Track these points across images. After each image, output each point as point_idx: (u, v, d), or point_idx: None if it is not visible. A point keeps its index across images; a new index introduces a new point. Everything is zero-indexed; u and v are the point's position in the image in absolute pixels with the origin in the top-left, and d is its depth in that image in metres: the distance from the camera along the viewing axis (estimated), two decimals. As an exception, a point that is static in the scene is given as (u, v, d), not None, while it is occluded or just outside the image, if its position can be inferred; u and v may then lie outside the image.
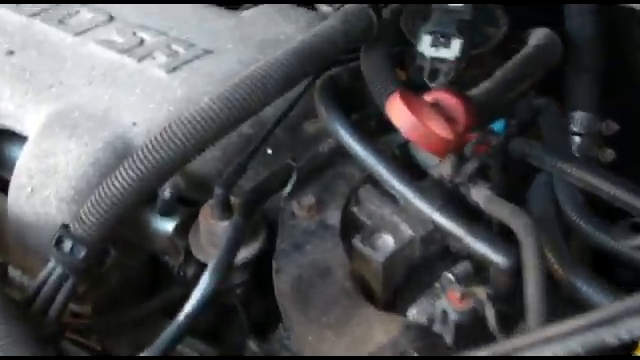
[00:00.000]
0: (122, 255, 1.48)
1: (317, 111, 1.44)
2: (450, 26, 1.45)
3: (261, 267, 1.37)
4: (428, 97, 1.28)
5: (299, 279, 1.29)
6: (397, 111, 1.23)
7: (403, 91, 1.25)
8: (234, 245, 1.32)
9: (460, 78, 1.41)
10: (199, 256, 1.42)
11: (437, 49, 1.44)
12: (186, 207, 1.49)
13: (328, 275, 1.29)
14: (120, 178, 1.30)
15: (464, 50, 1.43)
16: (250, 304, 1.50)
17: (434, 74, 1.42)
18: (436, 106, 1.25)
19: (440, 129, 1.21)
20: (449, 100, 1.26)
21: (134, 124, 1.45)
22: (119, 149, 1.42)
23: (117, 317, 1.47)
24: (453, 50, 1.43)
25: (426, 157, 1.37)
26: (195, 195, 1.43)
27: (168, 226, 1.47)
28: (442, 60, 1.43)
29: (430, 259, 1.33)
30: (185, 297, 1.39)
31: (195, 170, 1.41)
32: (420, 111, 1.21)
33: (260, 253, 1.41)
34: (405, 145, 1.41)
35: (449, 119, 1.24)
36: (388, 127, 1.35)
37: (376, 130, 1.48)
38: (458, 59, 1.43)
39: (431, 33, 1.43)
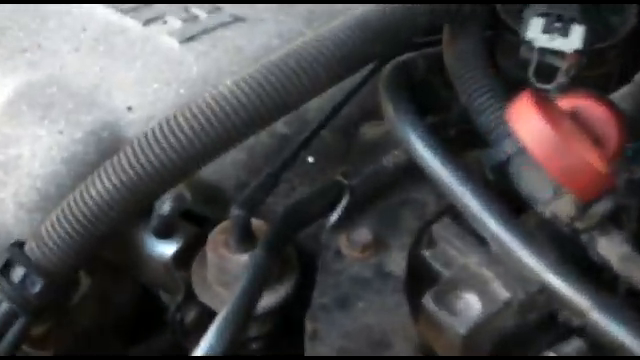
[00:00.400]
0: (100, 286, 1.09)
1: (381, 110, 1.03)
2: (571, 8, 1.05)
3: (288, 315, 1.06)
4: (563, 103, 0.87)
5: (343, 352, 0.92)
6: (528, 122, 0.83)
7: (535, 93, 0.84)
8: (255, 289, 0.92)
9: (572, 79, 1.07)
10: (203, 298, 1.04)
11: (551, 37, 1.05)
12: (192, 226, 1.08)
13: (386, 348, 0.93)
14: (100, 185, 0.93)
15: (586, 41, 1.03)
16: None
17: (544, 71, 1.02)
18: (575, 118, 0.84)
19: (592, 156, 0.80)
20: (593, 110, 0.85)
21: (129, 109, 1.14)
22: (105, 142, 1.11)
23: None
24: (573, 40, 1.05)
25: (534, 187, 0.96)
26: (206, 210, 1.14)
27: (165, 251, 1.08)
28: (556, 52, 1.03)
29: (527, 331, 0.96)
30: (178, 348, 1.08)
31: (208, 177, 1.12)
32: (560, 126, 0.80)
33: (287, 301, 1.02)
34: (502, 167, 0.99)
35: (596, 140, 0.84)
36: (473, 139, 1.08)
37: (457, 141, 1.08)
38: (579, 52, 1.04)
39: (543, 15, 1.09)
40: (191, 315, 1.09)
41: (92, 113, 1.09)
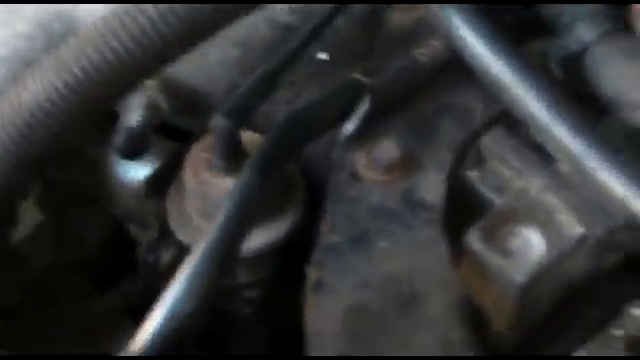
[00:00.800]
0: (60, 217, 0.86)
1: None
2: None
3: (291, 257, 0.84)
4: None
5: (360, 311, 0.67)
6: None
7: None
8: (239, 224, 0.68)
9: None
10: (181, 235, 0.80)
11: None
12: (170, 143, 0.85)
13: (416, 303, 0.68)
14: (35, 86, 0.67)
15: None
16: (269, 314, 0.87)
17: None
18: None
19: None
20: None
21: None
22: (56, 36, 0.87)
23: (45, 319, 0.85)
24: None
25: (621, 84, 0.71)
26: (188, 122, 0.92)
27: (135, 175, 0.84)
28: None
29: (601, 279, 0.74)
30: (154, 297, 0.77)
31: (190, 79, 0.90)
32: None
33: (289, 238, 0.79)
34: (576, 59, 0.74)
35: None
36: (536, 29, 0.82)
37: (514, 31, 0.82)
38: None
39: None
40: (166, 256, 0.86)
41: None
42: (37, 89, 0.70)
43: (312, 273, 0.70)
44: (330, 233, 0.72)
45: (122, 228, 0.95)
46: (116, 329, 0.93)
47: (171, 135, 0.91)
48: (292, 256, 0.87)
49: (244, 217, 0.69)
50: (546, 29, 0.81)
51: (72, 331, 0.89)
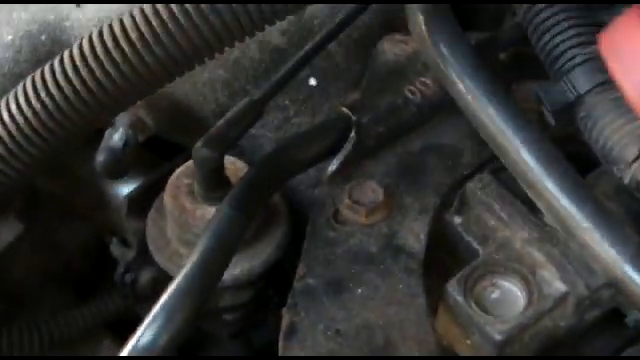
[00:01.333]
0: (42, 229, 0.85)
1: (408, 21, 0.76)
2: None
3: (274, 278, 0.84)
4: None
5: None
6: (631, 48, 0.57)
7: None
8: (215, 260, 0.67)
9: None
10: (159, 258, 0.78)
11: None
12: (156, 160, 0.84)
13: (389, 354, 0.66)
14: (16, 108, 0.67)
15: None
16: (247, 336, 0.87)
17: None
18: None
19: None
20: None
21: (78, 5, 0.87)
22: (42, 48, 0.86)
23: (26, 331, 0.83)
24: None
25: (613, 140, 0.69)
26: (179, 139, 0.90)
27: (118, 191, 0.82)
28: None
29: (581, 333, 0.73)
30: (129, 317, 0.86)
31: (179, 98, 0.87)
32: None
33: (270, 265, 0.79)
34: (569, 109, 0.72)
35: None
36: (529, 66, 0.81)
37: (507, 69, 0.81)
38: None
39: None
40: (144, 277, 0.85)
41: (28, 9, 0.82)
42: (18, 111, 0.68)
43: (286, 316, 0.68)
44: (306, 276, 0.70)
45: (104, 242, 0.94)
46: (95, 343, 0.92)
47: (163, 148, 0.90)
48: (273, 280, 0.86)
49: (220, 254, 0.67)
50: (540, 71, 0.79)
51: (51, 344, 0.88)
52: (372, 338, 0.67)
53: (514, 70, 0.83)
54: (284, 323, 0.68)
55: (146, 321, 0.65)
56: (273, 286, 0.88)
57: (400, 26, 0.86)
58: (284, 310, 0.69)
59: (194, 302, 0.65)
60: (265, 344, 0.94)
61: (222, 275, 0.67)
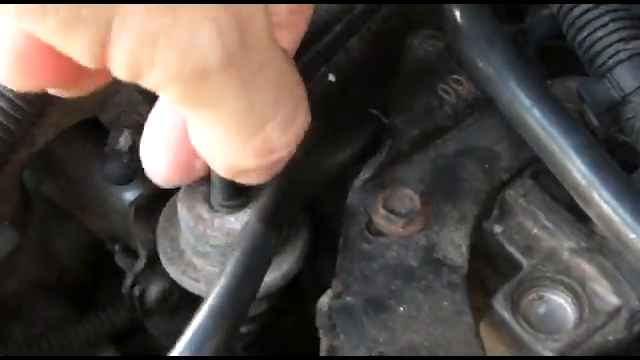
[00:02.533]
0: (38, 237, 0.79)
1: (437, 14, 0.71)
2: None
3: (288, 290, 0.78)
4: None
5: None
6: None
7: None
8: (255, 271, 0.62)
9: None
10: (171, 270, 0.72)
11: None
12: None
13: None
14: None
15: None
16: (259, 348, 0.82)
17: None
18: None
19: None
20: None
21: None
22: None
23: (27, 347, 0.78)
24: None
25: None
26: None
27: (123, 197, 0.77)
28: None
29: (632, 345, 0.67)
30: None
31: None
32: None
33: (290, 278, 0.75)
34: (615, 109, 0.67)
35: None
36: (562, 61, 0.76)
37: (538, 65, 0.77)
38: None
39: None
40: (155, 290, 0.79)
41: None
42: None
43: (324, 339, 0.63)
44: (343, 293, 0.65)
45: (103, 248, 0.88)
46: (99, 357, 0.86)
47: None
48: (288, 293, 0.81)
49: (253, 275, 0.62)
50: (575, 66, 0.74)
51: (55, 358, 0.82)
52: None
53: (543, 65, 0.78)
54: (323, 347, 0.63)
55: (176, 350, 0.60)
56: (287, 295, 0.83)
57: (421, 17, 0.82)
58: (322, 332, 0.64)
59: (226, 329, 0.60)
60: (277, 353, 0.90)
61: (254, 298, 0.62)
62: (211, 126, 0.48)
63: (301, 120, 0.51)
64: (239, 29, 0.43)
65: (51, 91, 0.49)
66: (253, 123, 0.48)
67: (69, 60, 0.44)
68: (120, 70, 0.43)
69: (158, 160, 0.57)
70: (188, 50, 0.42)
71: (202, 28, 0.42)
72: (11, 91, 0.62)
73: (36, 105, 0.64)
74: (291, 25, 0.56)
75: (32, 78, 0.47)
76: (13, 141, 0.65)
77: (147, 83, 0.43)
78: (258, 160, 0.50)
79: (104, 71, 0.45)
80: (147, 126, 0.57)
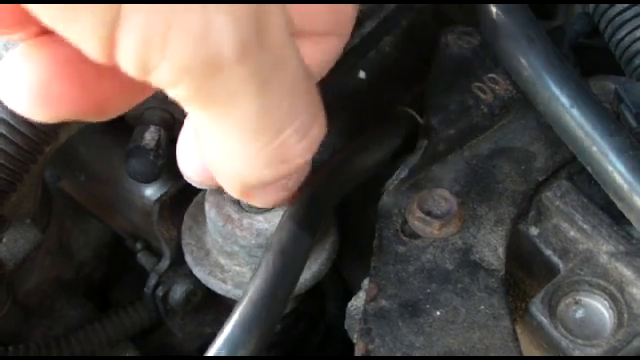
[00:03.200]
0: (56, 235, 0.77)
1: (473, 11, 0.70)
2: None
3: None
4: None
5: None
6: None
7: None
8: (289, 274, 0.61)
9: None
10: (197, 270, 0.71)
11: None
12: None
13: None
14: None
15: None
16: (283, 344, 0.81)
17: None
18: None
19: None
20: None
21: None
22: None
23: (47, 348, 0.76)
24: None
25: None
26: None
27: (147, 194, 0.75)
28: None
29: None
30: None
31: None
32: None
33: (319, 278, 0.72)
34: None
35: None
36: (595, 60, 0.76)
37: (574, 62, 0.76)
38: None
39: None
40: (179, 291, 0.77)
41: None
42: None
43: (360, 344, 0.62)
44: (379, 296, 0.63)
45: (121, 245, 0.86)
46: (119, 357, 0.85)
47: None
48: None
49: (287, 277, 0.60)
50: (609, 65, 0.73)
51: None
52: (455, 363, 0.61)
53: (579, 64, 0.77)
54: (358, 351, 0.61)
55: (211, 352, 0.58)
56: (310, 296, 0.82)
57: (453, 13, 0.80)
58: (356, 336, 0.62)
59: (259, 335, 0.58)
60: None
61: (288, 302, 0.61)
62: (223, 130, 0.44)
63: (318, 128, 0.48)
64: (255, 21, 0.40)
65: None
66: (269, 127, 0.45)
67: (91, 91, 0.42)
68: (128, 61, 0.40)
69: (194, 162, 0.55)
70: (202, 38, 0.39)
71: (217, 16, 0.39)
72: None
73: None
74: (323, 36, 0.53)
75: (54, 109, 0.44)
76: (42, 142, 0.63)
77: (157, 77, 0.40)
78: (272, 171, 0.47)
79: (125, 95, 0.43)
80: (184, 126, 0.55)
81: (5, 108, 0.62)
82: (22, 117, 0.59)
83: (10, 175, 0.66)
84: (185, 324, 0.81)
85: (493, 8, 0.68)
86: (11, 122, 0.63)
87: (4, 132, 0.63)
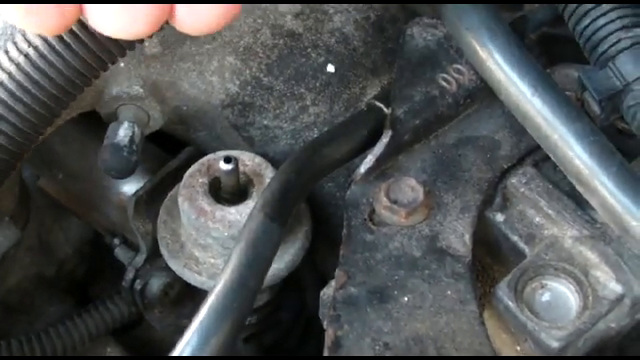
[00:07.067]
0: (36, 232, 0.79)
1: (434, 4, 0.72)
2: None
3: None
4: None
5: None
6: None
7: None
8: (260, 264, 0.62)
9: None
10: (173, 263, 0.72)
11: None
12: (163, 155, 0.78)
13: None
14: None
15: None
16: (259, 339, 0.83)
17: None
18: None
19: None
20: None
21: None
22: None
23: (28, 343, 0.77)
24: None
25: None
26: (184, 134, 0.83)
27: (122, 190, 0.76)
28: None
29: (630, 332, 0.67)
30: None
31: (188, 88, 0.79)
32: None
33: (292, 268, 0.72)
34: (616, 98, 0.67)
35: None
36: (562, 48, 0.78)
37: (537, 51, 0.77)
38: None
39: None
40: (156, 284, 0.78)
41: None
42: None
43: (329, 330, 0.63)
44: (347, 284, 0.65)
45: (100, 241, 0.88)
46: (98, 350, 0.86)
47: (164, 142, 0.84)
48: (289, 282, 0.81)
49: (257, 268, 0.62)
50: (575, 53, 0.74)
51: (54, 354, 0.81)
52: (423, 351, 0.62)
53: (543, 52, 0.78)
54: (328, 338, 0.62)
55: (179, 347, 0.59)
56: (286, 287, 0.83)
57: (420, 6, 0.82)
58: (326, 323, 0.64)
59: (231, 324, 0.60)
60: (274, 344, 0.90)
61: (259, 291, 0.62)
62: None
63: None
64: None
65: None
66: None
67: None
68: None
69: None
70: None
71: None
72: (29, 95, 0.61)
73: (51, 109, 0.63)
74: None
75: None
76: (27, 143, 0.64)
77: None
78: None
79: None
80: None
81: None
82: (8, 117, 0.61)
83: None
84: (164, 317, 0.82)
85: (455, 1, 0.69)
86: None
87: None
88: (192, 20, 0.52)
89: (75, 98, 0.64)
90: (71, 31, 0.59)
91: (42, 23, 0.51)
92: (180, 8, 0.52)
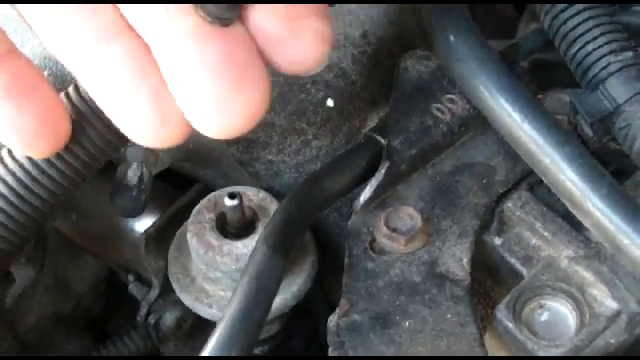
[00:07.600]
0: (52, 271, 0.81)
1: (429, 35, 0.73)
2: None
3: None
4: None
5: None
6: None
7: None
8: (264, 296, 0.64)
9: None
10: (184, 297, 0.75)
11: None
12: (174, 193, 0.81)
13: None
14: None
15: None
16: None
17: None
18: None
19: None
20: None
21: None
22: None
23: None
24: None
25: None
26: (192, 170, 0.86)
27: (134, 227, 0.79)
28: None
29: (633, 347, 0.69)
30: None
31: None
32: None
33: (300, 297, 0.77)
34: (607, 120, 0.69)
35: None
36: (552, 75, 0.80)
37: (528, 78, 0.79)
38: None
39: None
40: (169, 317, 0.81)
41: (26, 45, 0.79)
42: None
43: (333, 355, 0.65)
44: (350, 311, 0.67)
45: (116, 279, 0.90)
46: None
47: (173, 180, 0.87)
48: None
49: (262, 300, 0.64)
50: (566, 79, 0.76)
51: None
52: (426, 371, 0.64)
53: (534, 79, 0.80)
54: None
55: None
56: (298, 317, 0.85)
57: (416, 39, 0.84)
58: (331, 349, 0.66)
59: (238, 353, 0.62)
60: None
61: (264, 322, 0.64)
62: None
63: None
64: None
65: None
66: None
67: None
68: None
69: None
70: None
71: None
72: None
73: (78, 171, 0.64)
74: None
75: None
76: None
77: None
78: None
79: None
80: None
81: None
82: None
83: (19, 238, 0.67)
84: (178, 350, 0.84)
85: (447, 32, 0.71)
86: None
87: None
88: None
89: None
90: None
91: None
92: None
